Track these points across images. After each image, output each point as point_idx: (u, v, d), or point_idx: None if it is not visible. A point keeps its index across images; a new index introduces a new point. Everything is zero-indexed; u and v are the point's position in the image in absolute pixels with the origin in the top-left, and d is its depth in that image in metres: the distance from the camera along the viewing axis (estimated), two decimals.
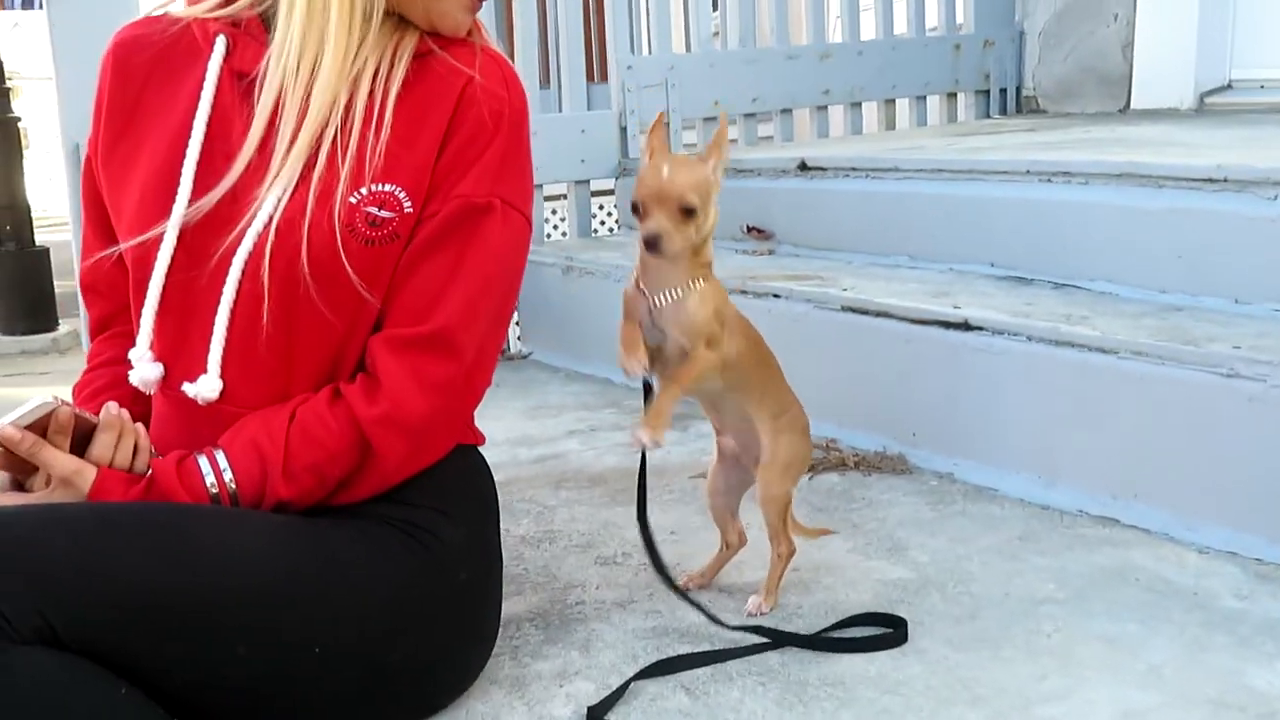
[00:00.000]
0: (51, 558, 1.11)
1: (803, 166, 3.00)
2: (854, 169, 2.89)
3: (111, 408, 1.26)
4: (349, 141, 1.27)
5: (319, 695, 1.24)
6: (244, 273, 1.27)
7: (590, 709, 1.35)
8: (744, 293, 2.61)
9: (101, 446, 1.25)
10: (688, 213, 1.38)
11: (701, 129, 3.65)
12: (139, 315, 1.33)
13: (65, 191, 2.76)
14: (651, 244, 1.38)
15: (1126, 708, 1.33)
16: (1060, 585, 1.65)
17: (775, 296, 2.54)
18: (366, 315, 1.30)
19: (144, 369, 1.33)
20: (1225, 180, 2.11)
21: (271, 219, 1.25)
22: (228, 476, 1.25)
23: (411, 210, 1.28)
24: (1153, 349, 1.85)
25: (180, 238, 1.29)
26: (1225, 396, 1.75)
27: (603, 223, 4.18)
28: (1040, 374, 2.02)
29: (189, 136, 1.31)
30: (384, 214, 1.28)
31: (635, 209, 1.40)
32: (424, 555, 1.30)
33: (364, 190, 1.27)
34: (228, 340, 1.29)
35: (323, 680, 1.23)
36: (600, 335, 3.10)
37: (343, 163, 1.26)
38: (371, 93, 1.28)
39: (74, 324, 7.19)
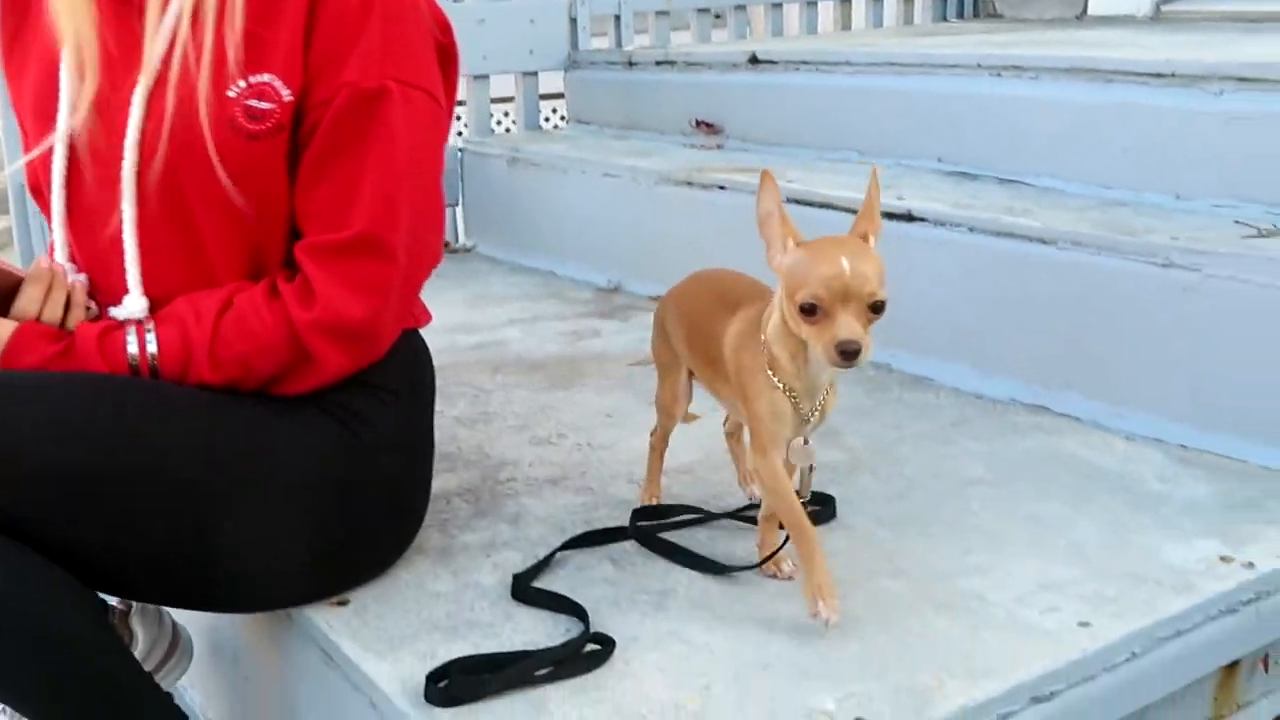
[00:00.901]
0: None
1: (753, 60, 2.96)
2: (804, 63, 2.85)
3: (43, 260, 1.23)
4: (203, 33, 1.19)
5: (241, 573, 1.23)
6: (136, 181, 1.22)
7: (515, 576, 1.35)
8: (690, 184, 2.59)
9: (27, 300, 1.21)
10: (876, 310, 1.14)
11: (653, 25, 3.59)
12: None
13: None
14: (850, 355, 1.12)
15: (1045, 580, 1.34)
16: (990, 468, 1.67)
17: (721, 189, 2.52)
18: (275, 208, 1.25)
19: (73, 279, 1.29)
20: (1174, 75, 2.10)
21: (154, 121, 1.20)
22: (151, 350, 1.21)
23: (291, 98, 1.21)
24: (1091, 239, 1.85)
25: (72, 147, 1.24)
26: (1160, 287, 1.76)
27: (548, 119, 4.11)
28: (980, 265, 2.02)
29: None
30: (263, 105, 1.21)
31: (810, 310, 1.14)
32: (353, 440, 1.28)
33: (242, 84, 1.20)
34: (141, 253, 1.24)
35: (244, 559, 1.22)
36: (546, 228, 3.09)
37: (204, 54, 1.19)
38: None
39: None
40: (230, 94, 1.20)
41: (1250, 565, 1.37)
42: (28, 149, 1.29)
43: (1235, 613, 1.33)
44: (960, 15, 4.18)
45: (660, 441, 1.53)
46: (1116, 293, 1.82)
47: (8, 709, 1.55)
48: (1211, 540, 1.43)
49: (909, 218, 2.12)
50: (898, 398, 1.98)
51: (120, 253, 1.24)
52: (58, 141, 1.25)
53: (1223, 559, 1.38)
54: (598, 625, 1.25)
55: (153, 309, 1.25)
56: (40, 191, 1.36)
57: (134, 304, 1.24)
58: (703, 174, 2.57)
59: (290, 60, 1.21)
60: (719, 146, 2.98)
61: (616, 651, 1.20)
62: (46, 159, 1.27)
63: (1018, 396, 1.92)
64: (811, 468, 1.31)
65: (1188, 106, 2.07)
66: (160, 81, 1.21)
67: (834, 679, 1.16)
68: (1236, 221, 1.90)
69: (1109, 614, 1.27)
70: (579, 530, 1.47)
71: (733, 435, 1.57)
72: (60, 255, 1.29)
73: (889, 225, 2.09)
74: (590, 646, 1.20)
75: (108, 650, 1.17)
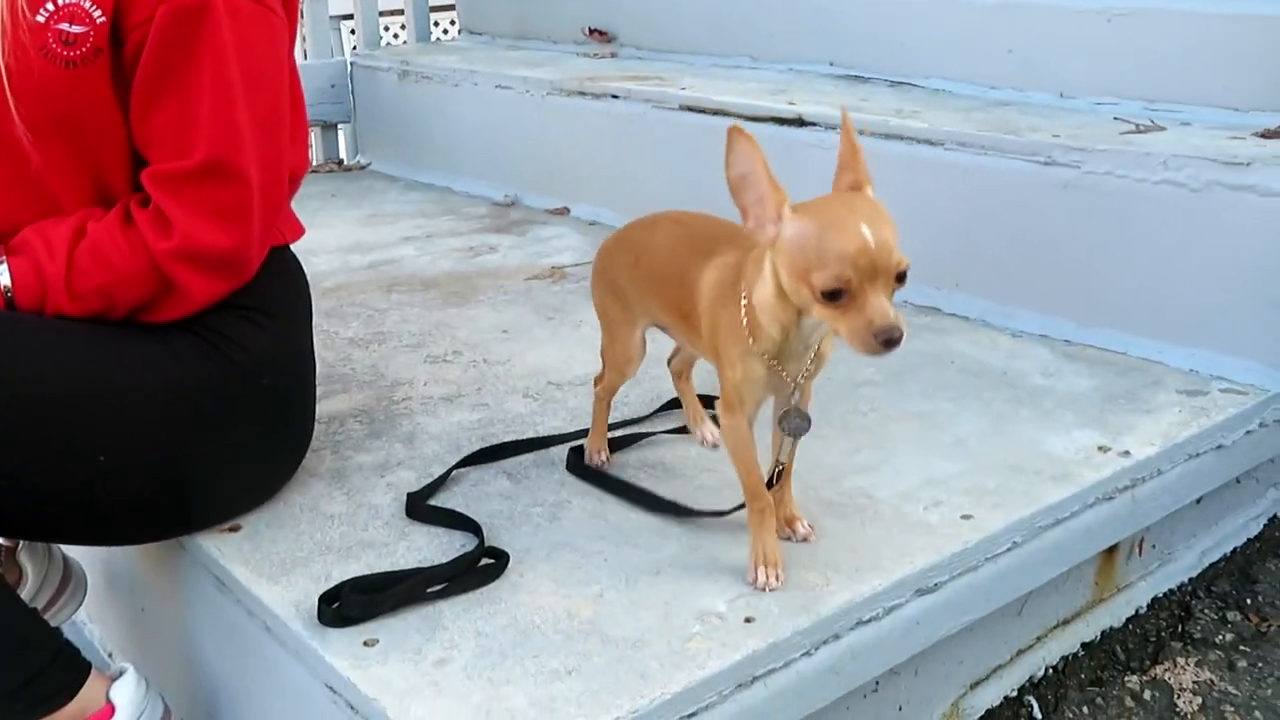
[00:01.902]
0: None
1: None
2: None
3: None
4: None
5: (116, 503, 1.21)
6: None
7: (410, 495, 1.35)
8: (583, 94, 2.56)
9: None
10: (901, 280, 1.00)
11: None
12: None
13: None
14: (893, 344, 0.97)
15: (930, 475, 1.38)
16: (879, 369, 1.69)
17: (614, 97, 2.49)
18: (111, 135, 1.19)
19: None
20: None
21: None
22: (4, 282, 1.16)
23: (103, 18, 1.15)
24: (975, 139, 1.87)
25: None
26: (1042, 184, 1.78)
27: (445, 31, 4.02)
28: (870, 168, 2.02)
29: None
30: (75, 29, 1.14)
31: (836, 295, 0.98)
32: (223, 362, 1.24)
33: (50, 7, 1.14)
34: None
35: (115, 488, 1.19)
36: (440, 143, 3.03)
37: None
38: None
39: None
40: (39, 19, 1.14)
41: (1126, 454, 1.42)
42: None
43: (1112, 500, 1.38)
44: None
45: (607, 394, 1.41)
46: (1002, 192, 1.85)
47: None
48: (1090, 431, 1.48)
49: (799, 122, 2.12)
50: None
51: None
52: None
53: (1100, 448, 1.43)
54: (493, 540, 1.25)
55: None
56: None
57: None
58: (595, 83, 2.54)
59: None
60: (613, 55, 2.94)
61: (511, 565, 1.21)
62: None
63: (909, 298, 1.95)
64: (790, 411, 1.19)
65: (1071, 5, 2.08)
66: None
67: (724, 582, 1.18)
68: (1116, 118, 1.93)
69: (990, 506, 1.30)
70: (475, 447, 1.47)
71: (681, 375, 1.48)
72: None
73: (781, 131, 2.13)
74: (484, 561, 1.21)
75: None
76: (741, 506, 1.21)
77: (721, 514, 1.27)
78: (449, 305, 2.05)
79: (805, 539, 1.24)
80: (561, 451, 1.45)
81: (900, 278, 0.99)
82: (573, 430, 1.50)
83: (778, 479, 1.22)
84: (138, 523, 1.25)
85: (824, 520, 1.29)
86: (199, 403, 1.22)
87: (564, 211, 2.61)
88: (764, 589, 1.16)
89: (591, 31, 3.00)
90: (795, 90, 2.32)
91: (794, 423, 1.18)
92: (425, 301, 2.08)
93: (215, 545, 1.27)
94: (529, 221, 2.58)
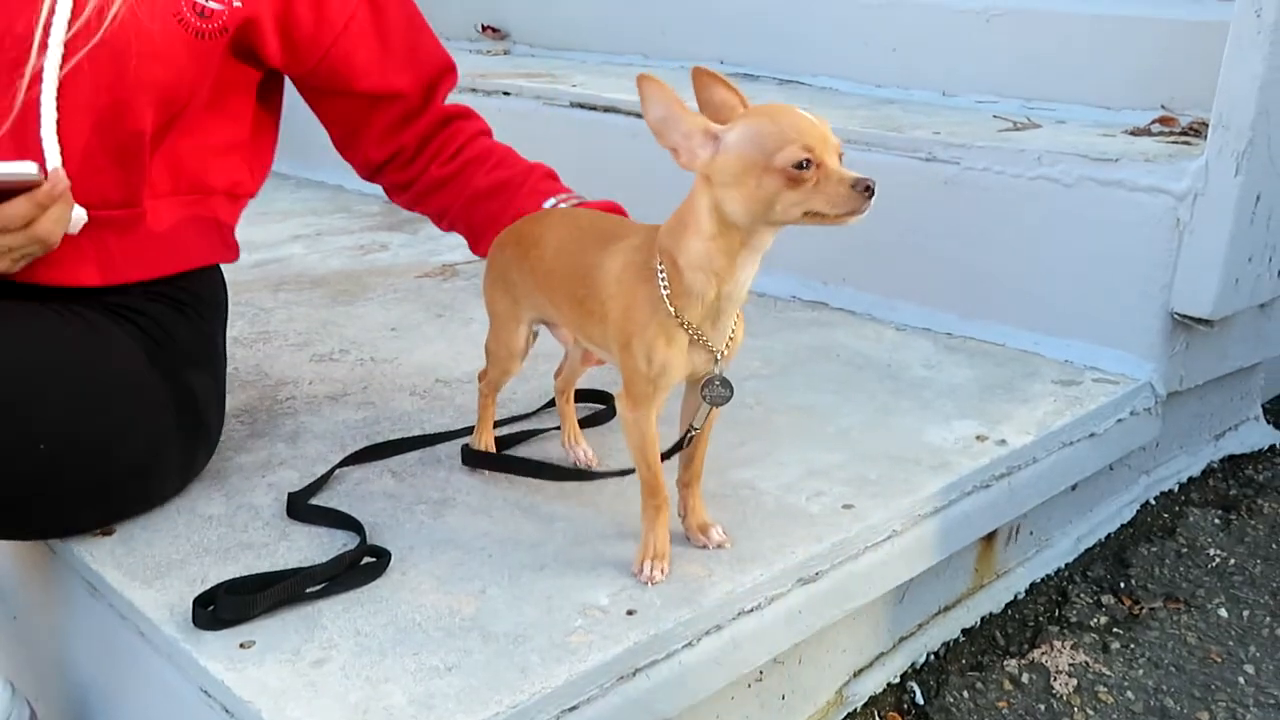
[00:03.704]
0: None
1: None
2: None
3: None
4: None
5: (53, 490, 1.18)
6: (62, 84, 1.17)
7: (290, 495, 1.32)
8: (474, 91, 2.54)
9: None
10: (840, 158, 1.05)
11: None
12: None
13: None
14: (871, 190, 1.03)
15: (813, 467, 1.39)
16: (766, 362, 1.71)
17: (505, 94, 2.48)
18: (197, 115, 1.28)
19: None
20: None
21: (85, 18, 1.16)
22: None
23: (240, 7, 1.25)
24: (860, 136, 1.90)
25: None
26: (924, 180, 1.82)
27: None
28: None
29: None
30: (213, 5, 1.24)
31: (804, 165, 1.01)
32: (154, 350, 1.25)
33: None
34: (64, 155, 1.18)
35: (51, 475, 1.16)
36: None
37: None
38: None
39: None
40: None
41: (1003, 442, 1.46)
42: None
43: (989, 488, 1.41)
44: None
45: (492, 390, 1.40)
46: (886, 188, 1.85)
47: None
48: (969, 421, 1.51)
49: None
50: None
51: (41, 156, 1.17)
52: None
53: (978, 438, 1.46)
54: (376, 539, 1.24)
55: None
56: None
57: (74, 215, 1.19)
58: (487, 79, 2.53)
59: None
60: (506, 52, 2.93)
61: (393, 563, 1.20)
62: None
63: (797, 293, 1.97)
64: (711, 381, 1.17)
65: (952, 5, 2.13)
66: None
67: (607, 575, 1.18)
68: (995, 116, 1.98)
69: (870, 495, 1.33)
70: (359, 446, 1.45)
71: (563, 393, 1.45)
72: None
73: None
74: (365, 560, 1.19)
75: None
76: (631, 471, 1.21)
77: (626, 473, 1.29)
78: (337, 304, 2.03)
79: (720, 546, 1.22)
80: (448, 449, 1.44)
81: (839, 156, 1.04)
82: (459, 428, 1.49)
83: (688, 443, 1.21)
84: (59, 513, 1.22)
85: (709, 512, 1.30)
86: (132, 392, 1.23)
87: None
88: (648, 582, 1.16)
89: (485, 28, 2.98)
90: (685, 89, 2.32)
91: (717, 390, 1.16)
92: (313, 300, 2.05)
93: (87, 549, 1.23)
94: (421, 219, 2.55)
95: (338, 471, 1.39)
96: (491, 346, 1.38)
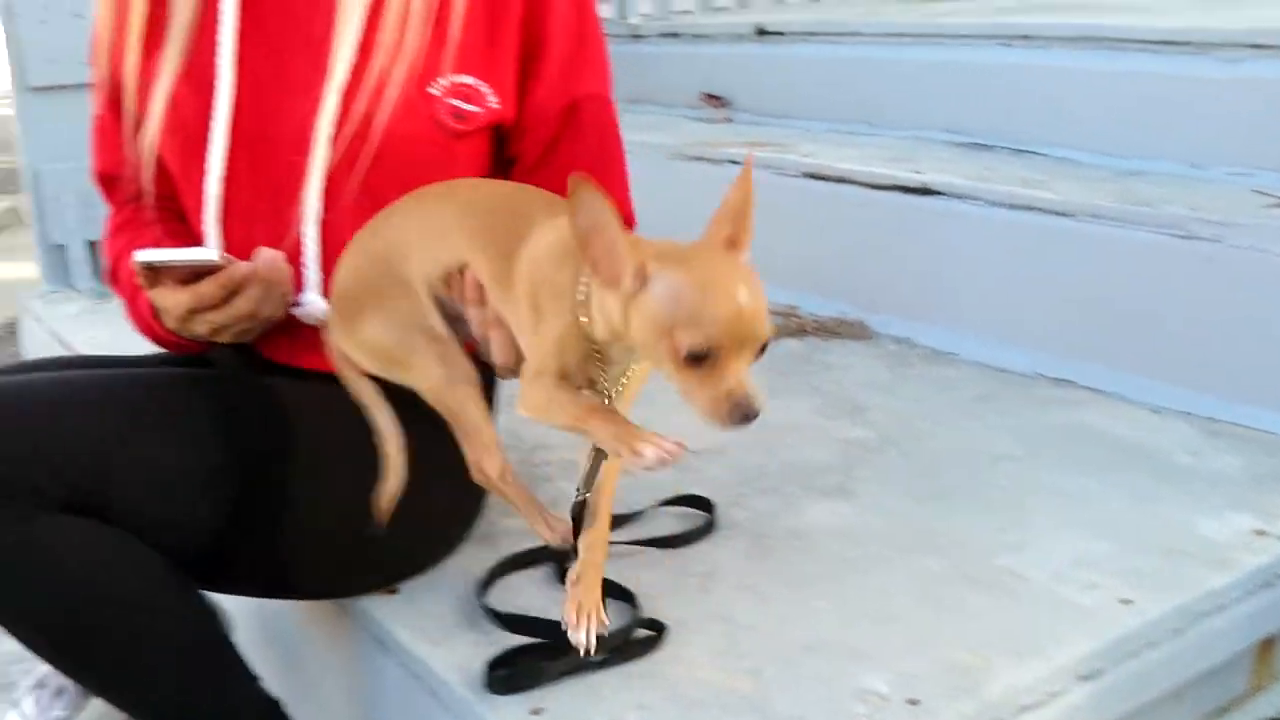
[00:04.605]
0: (79, 431, 1.11)
1: (760, 32, 2.95)
2: (813, 34, 2.84)
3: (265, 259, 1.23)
4: (408, 28, 1.24)
5: (343, 556, 1.27)
6: (326, 174, 1.24)
7: (557, 557, 1.36)
8: (701, 159, 2.59)
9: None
10: (761, 354, 0.97)
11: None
12: (197, 221, 1.29)
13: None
14: (750, 418, 0.95)
15: (1081, 556, 1.36)
16: (1017, 443, 1.68)
17: (733, 164, 2.52)
18: None
19: (313, 303, 1.28)
20: (1187, 43, 2.10)
21: (346, 110, 1.23)
22: None
23: (497, 106, 1.29)
24: (1110, 212, 1.86)
25: (233, 141, 1.25)
26: (1181, 258, 1.77)
27: None
28: (998, 238, 2.03)
29: (216, 28, 1.25)
30: (469, 108, 1.28)
31: (700, 358, 0.93)
32: (426, 421, 1.28)
33: (444, 81, 1.26)
34: (324, 251, 1.26)
35: (341, 542, 1.25)
36: None
37: (406, 48, 1.23)
38: None
39: (12, 200, 6.99)
40: (433, 91, 1.26)
41: None
42: (146, 131, 1.29)
43: (1272, 586, 1.35)
44: None
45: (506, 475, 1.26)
46: (1138, 264, 1.84)
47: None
48: (1243, 514, 1.45)
49: (925, 191, 2.13)
50: (919, 373, 2.00)
51: (297, 249, 1.25)
52: (217, 129, 1.24)
53: (1257, 532, 1.40)
54: (646, 610, 1.27)
55: None
56: (114, 179, 1.36)
57: (315, 303, 1.27)
58: (715, 148, 2.57)
59: (497, 64, 1.29)
60: (727, 120, 2.98)
61: (667, 636, 1.22)
62: (180, 158, 1.28)
63: (1042, 370, 1.93)
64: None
65: (1202, 74, 2.07)
66: (357, 70, 1.23)
67: (880, 659, 1.18)
68: (1254, 190, 1.91)
69: (1147, 589, 1.29)
70: (619, 512, 1.48)
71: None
72: (212, 245, 1.28)
73: (906, 199, 2.14)
74: (641, 632, 1.22)
75: (186, 620, 1.18)
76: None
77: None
78: None
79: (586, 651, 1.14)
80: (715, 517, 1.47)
81: (762, 352, 0.96)
82: (705, 495, 1.51)
83: (580, 512, 1.14)
84: (324, 579, 1.29)
85: (976, 599, 1.28)
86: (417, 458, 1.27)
87: None
88: (669, 456, 0.99)
89: (706, 96, 3.04)
90: (917, 158, 2.33)
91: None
92: None
93: (376, 607, 1.30)
94: None
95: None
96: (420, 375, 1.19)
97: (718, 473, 1.62)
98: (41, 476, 1.06)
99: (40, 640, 1.13)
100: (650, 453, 0.99)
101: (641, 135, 2.82)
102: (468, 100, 1.27)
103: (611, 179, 1.37)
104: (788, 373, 2.02)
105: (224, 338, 1.25)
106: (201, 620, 1.18)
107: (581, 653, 1.13)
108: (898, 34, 2.65)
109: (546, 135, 1.34)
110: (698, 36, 3.12)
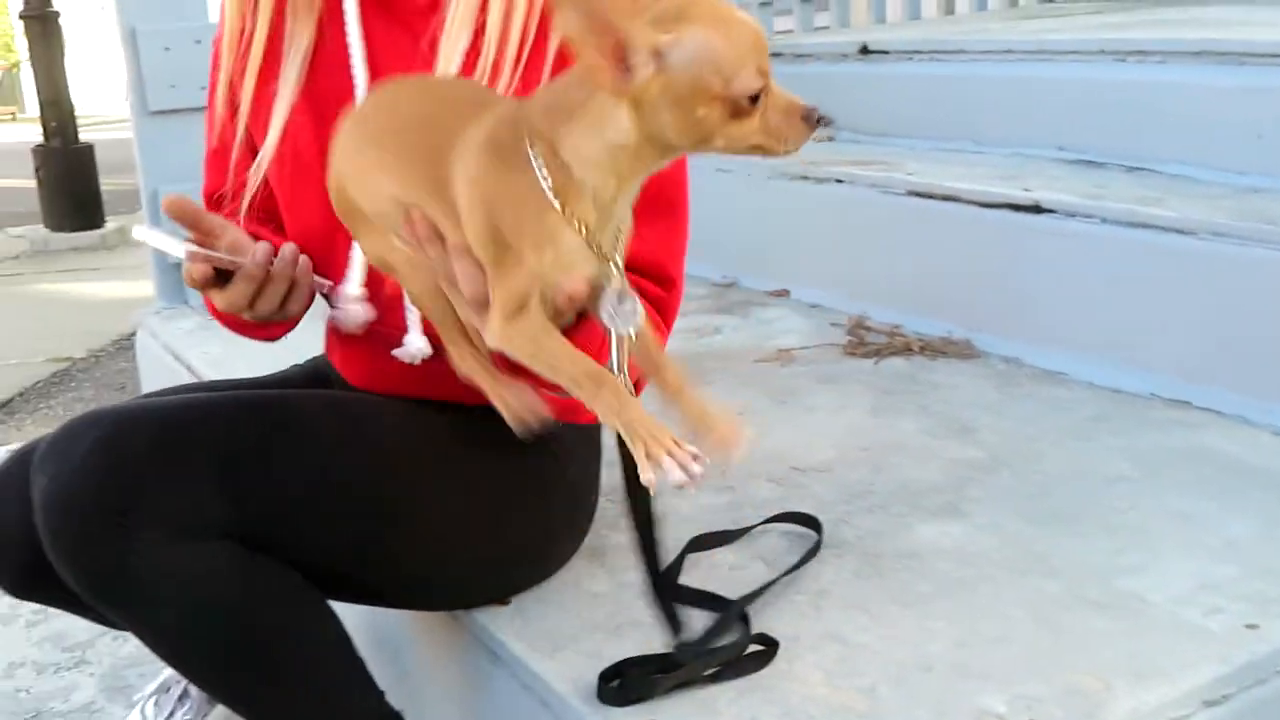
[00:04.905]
0: (240, 454, 1.13)
1: (864, 50, 2.94)
2: (918, 52, 2.82)
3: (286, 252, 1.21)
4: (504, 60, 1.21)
5: (458, 572, 1.29)
6: None
7: (662, 572, 1.37)
8: (805, 179, 2.59)
9: (237, 294, 1.21)
10: None
11: (756, 15, 3.58)
12: (322, 260, 1.28)
13: (125, 86, 2.78)
14: (823, 118, 0.90)
15: (1204, 579, 1.33)
16: (1133, 464, 1.65)
17: (839, 182, 2.51)
18: None
19: (354, 310, 1.29)
20: None
21: None
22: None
23: None
24: (1232, 229, 1.82)
25: None
26: None
27: None
28: (1114, 257, 1.99)
29: (345, 67, 1.27)
30: None
31: (756, 97, 0.88)
32: (543, 449, 1.29)
33: None
34: None
35: (459, 558, 1.28)
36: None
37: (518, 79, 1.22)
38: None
39: (121, 220, 7.25)
40: None
41: None
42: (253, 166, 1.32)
43: None
44: None
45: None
46: (1260, 283, 1.79)
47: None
48: None
49: (1037, 209, 2.10)
50: (1029, 393, 1.96)
51: (398, 288, 1.23)
52: None
53: None
54: (756, 626, 1.26)
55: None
56: (220, 199, 1.39)
57: (416, 343, 1.27)
58: (819, 167, 2.57)
59: None
60: (830, 138, 2.97)
61: (778, 651, 1.22)
62: (295, 180, 1.30)
63: (1157, 391, 1.89)
64: (617, 296, 0.98)
65: None
66: None
67: (998, 679, 1.16)
68: None
69: (1275, 615, 1.25)
70: (721, 528, 1.49)
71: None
72: (354, 284, 1.29)
73: (1016, 218, 2.11)
74: (754, 647, 1.22)
75: (319, 635, 1.20)
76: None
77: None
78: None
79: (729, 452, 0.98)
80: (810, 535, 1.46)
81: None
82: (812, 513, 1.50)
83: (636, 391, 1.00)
84: (444, 593, 1.32)
85: (1095, 621, 1.26)
86: (517, 483, 1.29)
87: (784, 293, 2.63)
88: (688, 482, 0.90)
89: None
90: (1026, 176, 2.29)
91: (626, 306, 0.97)
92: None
93: (488, 619, 1.32)
94: (750, 303, 2.61)
95: (709, 554, 1.43)
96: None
97: (823, 491, 1.61)
98: (187, 503, 1.08)
99: (177, 654, 1.16)
100: (672, 469, 0.89)
101: (741, 155, 2.83)
102: None
103: (664, 229, 1.27)
104: (893, 392, 2.00)
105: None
106: (334, 635, 1.20)
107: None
108: (1005, 50, 2.62)
109: None
110: (800, 55, 3.12)
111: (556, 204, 0.93)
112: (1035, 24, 3.11)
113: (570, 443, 1.35)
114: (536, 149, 0.92)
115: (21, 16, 7.36)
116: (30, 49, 7.26)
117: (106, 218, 7.32)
